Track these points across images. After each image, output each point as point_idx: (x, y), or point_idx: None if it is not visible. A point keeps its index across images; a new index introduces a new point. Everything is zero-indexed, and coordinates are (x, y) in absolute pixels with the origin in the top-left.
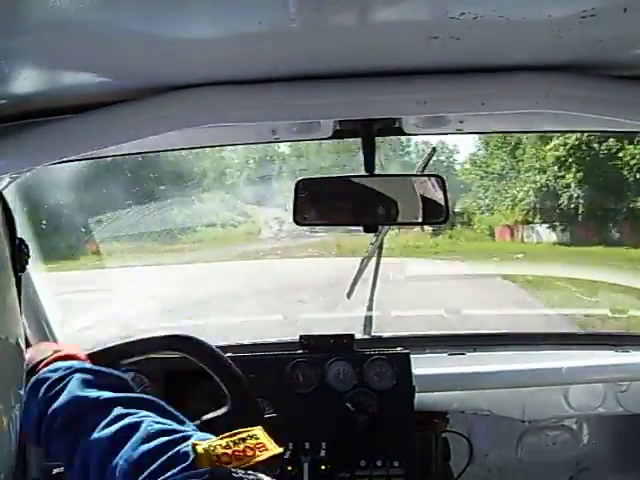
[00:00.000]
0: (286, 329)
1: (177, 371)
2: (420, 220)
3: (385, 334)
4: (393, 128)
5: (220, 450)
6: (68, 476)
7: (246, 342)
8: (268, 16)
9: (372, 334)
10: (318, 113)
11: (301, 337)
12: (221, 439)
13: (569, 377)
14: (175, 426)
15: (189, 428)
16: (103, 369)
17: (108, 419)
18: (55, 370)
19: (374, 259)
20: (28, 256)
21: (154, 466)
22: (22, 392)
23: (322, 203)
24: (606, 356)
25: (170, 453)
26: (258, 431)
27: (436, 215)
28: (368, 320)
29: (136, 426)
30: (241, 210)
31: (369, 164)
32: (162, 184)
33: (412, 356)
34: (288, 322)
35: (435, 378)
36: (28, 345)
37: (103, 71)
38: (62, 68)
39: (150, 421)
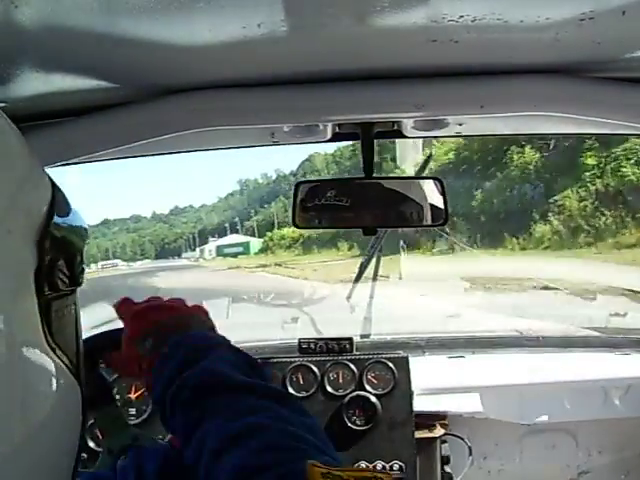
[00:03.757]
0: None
1: None
2: (420, 223)
3: (384, 337)
4: (392, 131)
5: None
6: (185, 455)
7: (245, 345)
8: (267, 19)
9: (371, 337)
10: (317, 116)
11: (300, 340)
12: (343, 471)
13: (568, 380)
14: (302, 435)
15: (316, 439)
16: (248, 353)
17: (238, 409)
18: (203, 338)
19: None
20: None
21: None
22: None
23: (321, 206)
24: (605, 359)
25: (280, 471)
26: (387, 477)
27: (436, 218)
28: (367, 323)
29: (262, 429)
30: None
31: (368, 166)
32: None
33: (411, 359)
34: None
35: (434, 381)
36: None
37: (104, 74)
38: (63, 71)
39: (278, 428)
